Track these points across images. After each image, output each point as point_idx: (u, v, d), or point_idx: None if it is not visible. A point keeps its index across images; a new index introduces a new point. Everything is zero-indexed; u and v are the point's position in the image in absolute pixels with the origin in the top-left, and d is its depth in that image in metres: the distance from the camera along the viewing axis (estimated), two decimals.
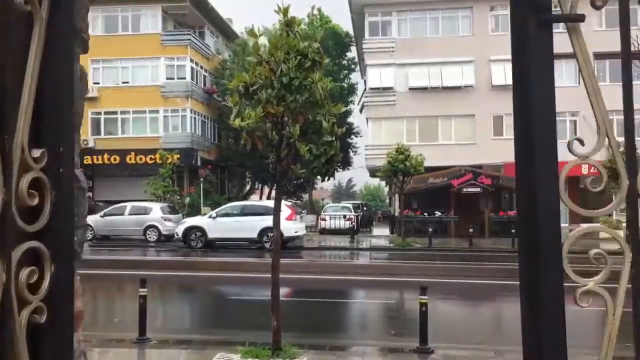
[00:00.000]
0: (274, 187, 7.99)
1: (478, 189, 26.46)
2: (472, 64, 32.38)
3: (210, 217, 21.34)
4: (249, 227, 20.41)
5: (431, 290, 8.14)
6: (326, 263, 18.61)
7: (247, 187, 46.05)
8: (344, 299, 12.88)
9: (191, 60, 35.47)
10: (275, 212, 7.66)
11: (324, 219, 28.30)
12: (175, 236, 21.57)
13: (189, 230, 21.19)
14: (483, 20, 32.71)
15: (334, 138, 7.15)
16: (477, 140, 31.74)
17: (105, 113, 35.58)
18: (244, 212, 21.16)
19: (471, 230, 23.19)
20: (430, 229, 23.40)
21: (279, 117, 7.14)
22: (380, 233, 29.56)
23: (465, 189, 26.46)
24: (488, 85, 32.06)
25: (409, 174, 22.46)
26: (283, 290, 13.61)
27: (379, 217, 46.03)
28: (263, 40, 7.77)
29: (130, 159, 34.24)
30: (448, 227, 27.40)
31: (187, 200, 31.77)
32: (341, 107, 7.55)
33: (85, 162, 34.59)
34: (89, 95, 35.05)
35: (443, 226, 27.20)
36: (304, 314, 11.10)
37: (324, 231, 27.75)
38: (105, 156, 34.49)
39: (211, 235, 21.01)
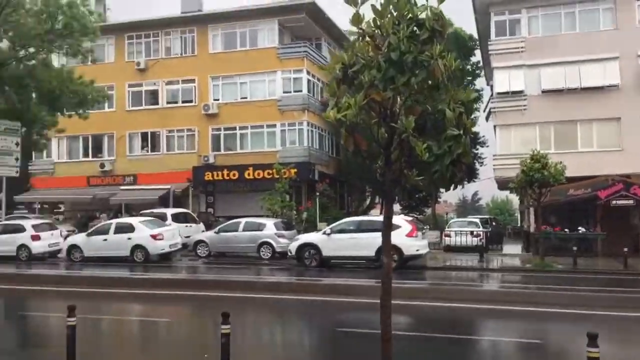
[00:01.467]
0: (390, 200, 6.21)
1: (631, 202, 22.87)
2: (617, 60, 28.56)
3: (324, 233, 19.96)
4: (366, 244, 18.74)
5: (590, 326, 5.96)
6: (452, 288, 16.40)
7: (367, 202, 44.42)
8: (474, 336, 10.74)
9: (307, 73, 34.72)
10: (385, 228, 5.93)
11: (448, 235, 25.95)
12: (289, 254, 20.42)
13: (303, 247, 19.95)
14: (629, 11, 28.84)
15: (461, 132, 5.31)
16: (625, 146, 27.84)
17: (225, 129, 35.77)
18: (361, 228, 19.54)
19: (626, 249, 19.86)
20: (574, 247, 20.32)
21: (387, 106, 5.44)
22: (512, 251, 26.59)
23: (614, 202, 22.97)
24: (637, 83, 28.12)
25: (548, 184, 19.67)
26: (399, 320, 11.87)
27: (509, 232, 42.38)
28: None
29: (248, 174, 34.01)
30: (594, 245, 23.96)
31: (305, 215, 30.75)
32: (471, 92, 5.70)
33: (206, 178, 34.98)
34: (210, 111, 35.60)
35: (588, 244, 23.81)
36: (424, 354, 9.22)
37: (449, 249, 25.40)
38: (225, 172, 34.55)
39: (326, 253, 19.62)
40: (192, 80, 36.26)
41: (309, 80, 34.90)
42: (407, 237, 18.85)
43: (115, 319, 12.63)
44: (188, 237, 24.38)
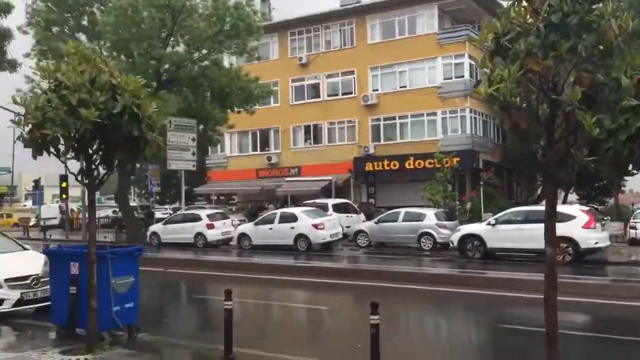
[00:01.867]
0: (553, 184, 5.54)
1: None
2: None
3: (489, 224, 18.92)
4: (534, 235, 17.25)
5: None
6: (636, 286, 14.61)
7: (538, 191, 41.56)
8: None
9: (469, 57, 33.24)
10: (548, 216, 5.25)
11: (634, 227, 23.27)
12: (451, 245, 19.70)
13: (465, 238, 19.10)
14: None
15: None
16: None
17: (385, 119, 35.65)
18: (529, 218, 18.17)
19: None
20: None
21: (548, 77, 4.79)
22: None
23: None
24: None
25: None
26: (571, 319, 10.78)
27: None
28: None
29: (409, 164, 33.56)
30: None
31: (468, 205, 29.56)
32: None
33: (366, 168, 35.16)
34: (369, 102, 35.71)
35: None
36: (595, 356, 8.22)
37: (635, 242, 22.79)
38: (385, 162, 34.44)
39: (490, 244, 18.58)
40: (352, 72, 36.59)
41: (471, 65, 33.42)
42: (583, 228, 17.20)
43: (278, 304, 13.04)
44: (349, 227, 24.63)
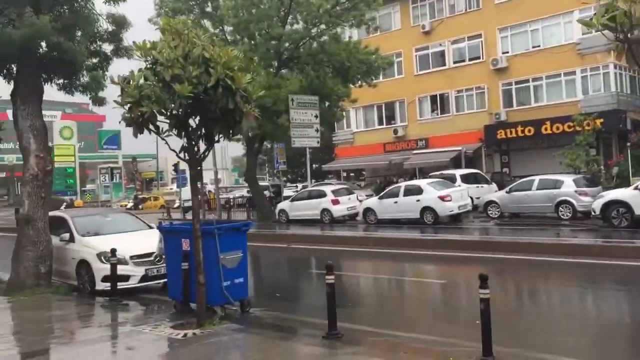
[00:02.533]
0: None
1: None
2: None
3: (636, 188, 16.91)
4: None
5: None
6: None
7: None
8: None
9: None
10: None
11: None
12: (592, 213, 17.90)
13: (609, 205, 17.22)
14: None
15: None
16: None
17: (516, 83, 33.43)
18: None
19: None
20: None
21: None
22: None
23: None
24: None
25: None
26: None
27: None
28: None
29: (545, 129, 31.29)
30: None
31: (615, 170, 26.87)
32: None
33: (498, 136, 33.30)
34: (498, 66, 33.60)
35: None
36: None
37: None
38: (519, 128, 32.41)
39: (639, 211, 16.61)
40: (478, 36, 34.64)
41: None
42: None
43: (411, 280, 12.62)
44: (479, 198, 23.41)
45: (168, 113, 7.22)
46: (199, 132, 7.77)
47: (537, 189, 20.55)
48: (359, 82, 29.19)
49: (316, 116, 27.65)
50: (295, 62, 28.55)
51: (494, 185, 26.00)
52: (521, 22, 32.87)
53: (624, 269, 11.98)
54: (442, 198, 20.95)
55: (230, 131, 7.83)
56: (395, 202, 22.14)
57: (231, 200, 36.54)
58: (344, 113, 33.61)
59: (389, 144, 38.38)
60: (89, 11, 10.66)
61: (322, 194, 24.93)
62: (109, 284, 10.25)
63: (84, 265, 10.71)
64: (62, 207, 46.66)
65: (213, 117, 7.59)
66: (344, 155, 41.44)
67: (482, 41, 34.57)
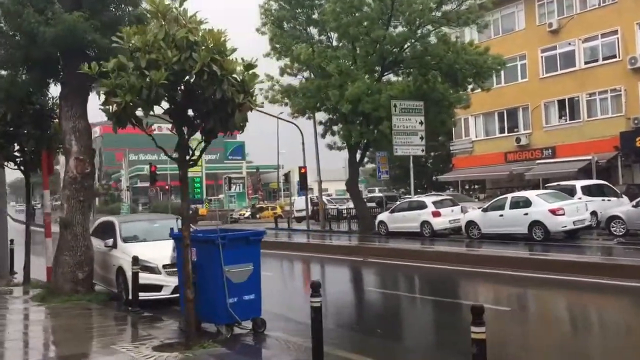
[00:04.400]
0: None
1: None
2: None
3: None
4: None
5: None
6: None
7: None
8: None
9: None
10: None
11: None
12: None
13: None
14: None
15: None
16: None
17: None
18: None
19: None
20: None
21: None
22: None
23: None
24: None
25: None
26: None
27: None
28: None
29: None
30: None
31: None
32: None
33: (638, 144, 29.42)
34: (638, 65, 29.62)
35: None
36: None
37: None
38: None
39: None
40: (614, 32, 30.88)
41: None
42: None
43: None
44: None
45: (145, 104, 6.37)
46: (192, 127, 6.87)
47: None
48: (471, 85, 27.10)
49: (421, 122, 26.05)
50: (401, 66, 27.16)
51: (624, 199, 22.61)
52: None
53: None
54: (553, 212, 18.45)
55: (225, 125, 6.80)
56: (501, 215, 19.91)
57: (344, 211, 35.79)
58: (454, 120, 31.46)
59: (510, 153, 35.45)
60: (133, 10, 10.28)
61: (422, 205, 23.23)
62: (145, 293, 9.71)
63: (121, 272, 10.29)
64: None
65: (207, 109, 6.65)
66: (462, 165, 39.01)
67: (618, 38, 30.77)
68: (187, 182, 7.26)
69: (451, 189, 41.18)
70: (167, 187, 51.20)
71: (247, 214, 50.86)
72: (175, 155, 6.90)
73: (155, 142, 6.85)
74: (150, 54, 6.16)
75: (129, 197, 62.41)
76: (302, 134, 33.36)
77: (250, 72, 6.63)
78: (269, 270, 17.56)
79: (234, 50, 6.53)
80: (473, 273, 14.37)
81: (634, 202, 18.84)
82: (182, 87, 6.61)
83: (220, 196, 61.20)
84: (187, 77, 6.45)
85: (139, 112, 6.53)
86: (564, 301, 11.31)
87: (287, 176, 39.40)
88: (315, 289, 5.70)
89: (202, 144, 7.11)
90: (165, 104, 6.68)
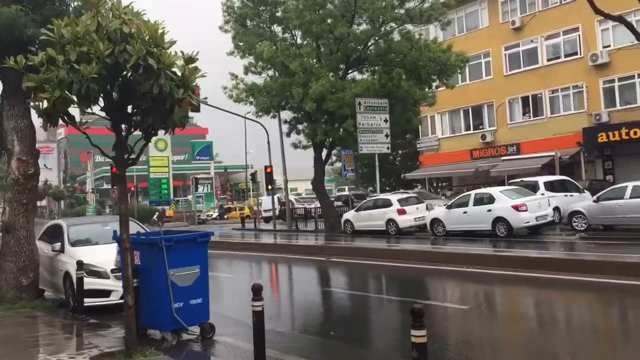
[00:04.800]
0: None
1: None
2: None
3: None
4: None
5: None
6: None
7: None
8: None
9: None
10: None
11: None
12: None
13: None
14: None
15: None
16: None
17: (620, 79, 29.73)
18: None
19: None
20: None
21: None
22: None
23: None
24: None
25: None
26: None
27: None
28: None
29: None
30: None
31: None
32: None
33: (599, 140, 29.74)
34: (599, 62, 30.03)
35: None
36: None
37: None
38: (623, 131, 28.69)
39: None
40: (576, 29, 31.23)
41: None
42: None
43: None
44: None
45: (76, 99, 6.01)
46: (130, 124, 6.53)
47: (632, 197, 17.54)
48: (435, 83, 27.12)
49: (386, 120, 25.96)
50: (365, 64, 27.03)
51: (586, 194, 22.85)
52: (625, 11, 29.15)
53: None
54: (516, 208, 18.50)
55: (164, 122, 6.47)
56: (465, 212, 19.92)
57: (312, 210, 35.57)
58: (419, 118, 31.52)
59: (476, 150, 35.65)
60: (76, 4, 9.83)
61: (387, 203, 23.13)
62: (92, 299, 9.31)
63: (68, 277, 9.86)
64: (155, 217, 48.18)
65: (146, 106, 6.32)
66: (429, 163, 39.11)
67: (579, 35, 31.14)
68: (125, 182, 6.91)
69: (419, 187, 41.33)
70: (132, 188, 50.28)
71: (215, 214, 50.29)
72: (113, 154, 6.54)
73: (90, 141, 6.48)
74: (81, 47, 5.81)
75: (94, 199, 61.22)
76: (267, 133, 33.08)
77: (191, 66, 6.33)
78: (230, 272, 17.31)
79: (172, 43, 6.22)
80: (437, 271, 14.27)
81: (594, 197, 19.01)
82: (119, 82, 6.26)
83: (188, 197, 60.45)
84: (125, 72, 6.11)
85: (75, 109, 6.18)
86: (525, 298, 11.23)
87: (254, 176, 39.00)
88: (257, 292, 5.45)
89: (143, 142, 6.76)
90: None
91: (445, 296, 11.81)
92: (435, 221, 21.03)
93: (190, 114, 7.08)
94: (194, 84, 6.38)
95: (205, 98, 6.74)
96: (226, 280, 14.32)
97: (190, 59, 6.33)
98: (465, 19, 36.38)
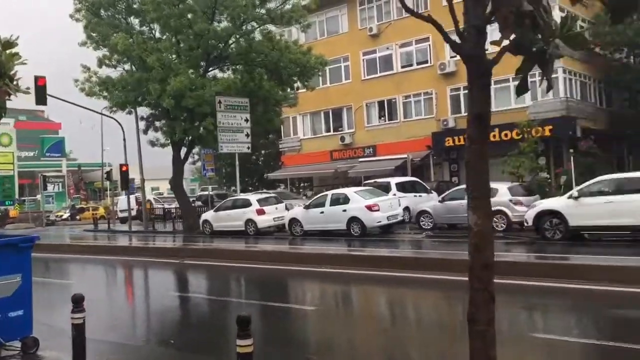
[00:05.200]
0: None
1: None
2: None
3: (570, 197, 15.35)
4: (631, 209, 13.82)
5: None
6: None
7: None
8: None
9: (561, 10, 28.71)
10: None
11: None
12: (525, 224, 16.33)
13: (542, 216, 15.65)
14: None
15: None
16: None
17: (465, 88, 31.53)
18: (623, 188, 14.50)
19: None
20: None
21: None
22: None
23: None
24: None
25: None
26: None
27: None
28: None
29: (494, 136, 29.59)
30: None
31: (563, 179, 25.56)
32: None
33: (447, 144, 31.76)
34: (446, 70, 32.16)
35: None
36: None
37: None
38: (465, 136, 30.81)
39: (573, 222, 15.02)
40: (426, 39, 33.13)
41: (563, 19, 28.93)
42: None
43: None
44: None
45: None
46: None
47: None
48: (296, 84, 27.43)
49: (247, 120, 25.79)
50: (227, 62, 26.68)
51: (434, 195, 24.31)
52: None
53: (561, 292, 10.25)
54: (369, 208, 19.21)
55: None
56: (322, 212, 20.32)
57: (172, 210, 34.41)
58: (281, 118, 31.77)
59: (335, 151, 36.65)
60: None
61: (246, 203, 23.00)
62: None
63: None
64: None
65: None
66: (291, 163, 39.56)
67: (429, 45, 33.14)
68: None
69: (282, 187, 41.68)
70: None
71: (66, 215, 47.08)
72: None
73: None
74: None
75: None
76: (123, 129, 31.52)
77: (9, 51, 5.73)
78: (71, 277, 16.23)
79: None
80: (293, 272, 14.31)
81: (440, 198, 20.24)
82: None
83: (37, 196, 56.03)
84: None
85: None
86: (376, 297, 11.59)
87: (109, 175, 37.00)
88: (77, 303, 5.03)
89: None
90: None
91: (297, 298, 11.91)
92: (294, 221, 21.24)
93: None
94: (13, 71, 5.78)
95: (28, 88, 6.12)
96: (64, 287, 13.36)
97: (8, 44, 5.73)
98: (326, 22, 37.23)
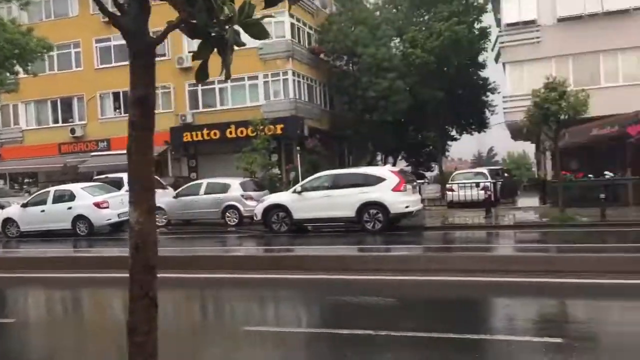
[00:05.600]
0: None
1: None
2: None
3: (294, 192, 16.51)
4: (344, 202, 15.38)
5: None
6: (450, 256, 12.63)
7: (368, 159, 40.71)
8: (480, 334, 6.91)
9: (291, 16, 30.68)
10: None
11: (451, 190, 22.30)
12: (255, 218, 17.09)
13: (270, 210, 16.54)
14: None
15: None
16: None
17: (202, 84, 32.14)
18: (338, 183, 16.10)
19: None
20: (601, 196, 16.38)
21: None
22: (528, 204, 22.98)
23: None
24: None
25: (568, 119, 15.90)
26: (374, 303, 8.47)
27: (524, 185, 38.31)
28: None
29: (230, 132, 30.53)
30: (623, 193, 20.18)
31: (292, 175, 27.40)
32: None
33: (185, 139, 31.61)
34: (184, 65, 31.99)
35: (613, 192, 19.78)
36: None
37: (453, 204, 21.84)
38: (205, 131, 31.15)
39: (297, 215, 16.20)
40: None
41: (292, 25, 31.02)
42: (393, 191, 15.32)
43: None
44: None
45: None
46: None
47: (205, 193, 19.13)
48: (15, 67, 24.53)
49: None
50: None
51: (170, 191, 23.96)
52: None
53: (287, 283, 10.76)
54: (97, 205, 18.12)
55: None
56: (43, 211, 18.53)
57: None
58: (0, 106, 28.25)
59: (65, 144, 33.81)
60: None
61: None
62: None
63: None
64: None
65: None
66: (11, 156, 35.29)
67: (169, 37, 32.52)
68: None
69: (1, 183, 36.99)
70: None
71: None
72: None
73: None
74: None
75: None
76: None
77: None
78: None
79: None
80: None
81: (174, 193, 20.04)
82: None
83: None
84: None
85: None
86: (110, 300, 10.92)
87: None
88: None
89: None
90: None
91: None
92: (8, 221, 19.00)
93: None
94: None
95: None
96: None
97: None
98: (53, 3, 34.11)
